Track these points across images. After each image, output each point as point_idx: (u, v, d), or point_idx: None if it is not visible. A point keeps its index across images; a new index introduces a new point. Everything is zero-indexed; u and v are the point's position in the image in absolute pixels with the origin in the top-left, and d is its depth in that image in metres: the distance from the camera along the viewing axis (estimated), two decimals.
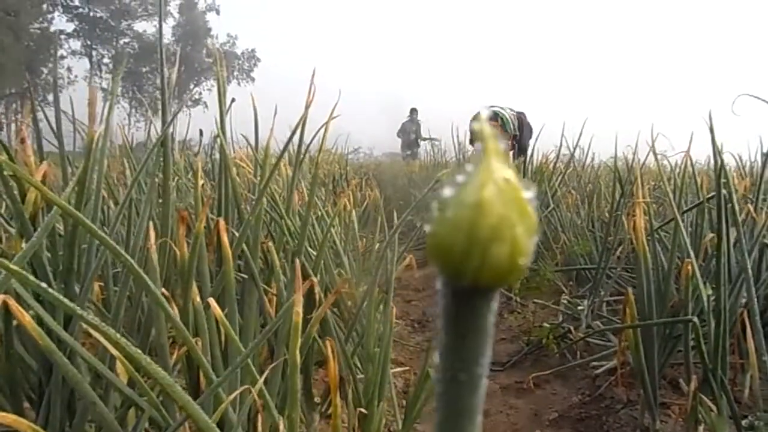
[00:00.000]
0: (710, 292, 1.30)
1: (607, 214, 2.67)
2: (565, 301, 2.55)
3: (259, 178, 1.36)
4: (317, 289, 1.21)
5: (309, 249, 1.81)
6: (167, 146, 0.87)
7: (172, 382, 0.64)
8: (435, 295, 3.03)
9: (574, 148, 3.49)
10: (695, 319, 1.26)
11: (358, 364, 1.58)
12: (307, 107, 1.11)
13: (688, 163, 2.15)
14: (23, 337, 1.00)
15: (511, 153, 6.60)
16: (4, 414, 0.65)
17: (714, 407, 1.29)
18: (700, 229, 1.92)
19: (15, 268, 0.56)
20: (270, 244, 1.40)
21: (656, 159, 2.04)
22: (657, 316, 1.62)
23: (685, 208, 1.97)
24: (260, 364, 1.30)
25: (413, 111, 11.88)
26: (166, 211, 0.87)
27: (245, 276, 1.29)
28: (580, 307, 2.32)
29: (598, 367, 2.00)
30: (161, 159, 0.99)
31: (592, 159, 4.06)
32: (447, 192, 0.12)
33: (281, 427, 0.72)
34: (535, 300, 2.73)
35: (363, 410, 1.17)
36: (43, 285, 0.59)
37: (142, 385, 0.80)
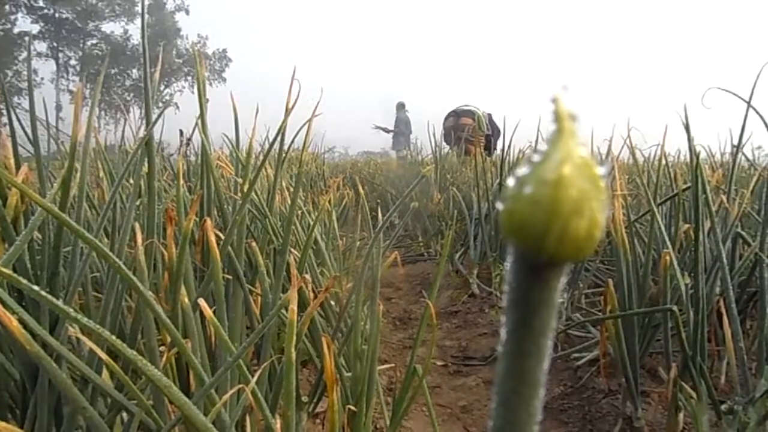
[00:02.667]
0: (688, 281, 1.33)
1: None
2: None
3: (241, 179, 1.35)
4: (310, 287, 1.20)
5: (292, 249, 1.80)
6: (151, 146, 0.85)
7: (169, 383, 0.63)
8: (415, 293, 3.04)
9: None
10: (674, 307, 1.29)
11: (344, 363, 1.58)
12: (288, 111, 1.11)
13: (663, 156, 2.21)
14: (3, 345, 0.98)
15: (483, 150, 6.68)
16: None
17: (694, 394, 1.32)
18: (675, 220, 1.96)
19: (5, 270, 0.54)
20: (254, 244, 1.39)
21: (632, 152, 2.08)
22: (636, 307, 1.66)
23: (660, 200, 2.02)
24: (247, 363, 1.29)
25: (400, 105, 11.19)
26: (152, 211, 0.85)
27: (229, 277, 1.28)
28: (560, 300, 2.35)
29: (579, 359, 2.03)
30: (143, 160, 0.97)
31: None
32: (522, 171, 0.12)
33: (278, 426, 0.72)
34: None
35: (353, 408, 1.17)
36: (35, 288, 0.57)
37: (132, 388, 0.79)
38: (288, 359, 0.74)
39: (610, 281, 1.47)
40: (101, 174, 2.22)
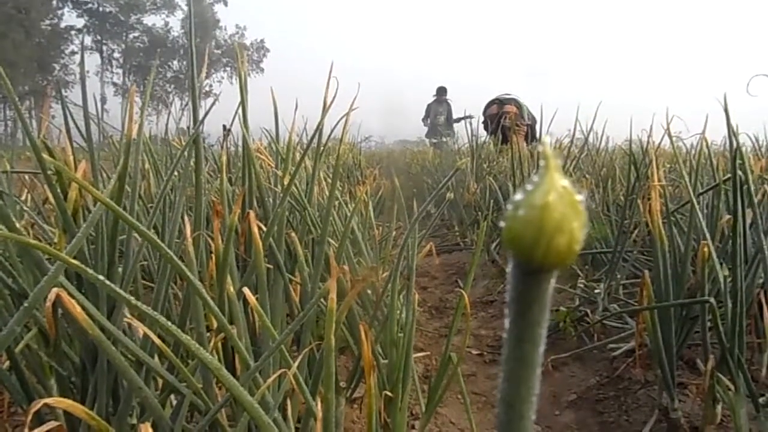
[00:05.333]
0: (726, 273, 1.32)
1: (622, 198, 2.67)
2: (582, 285, 2.57)
3: (281, 171, 1.39)
4: (348, 276, 1.24)
5: (330, 240, 1.85)
6: (199, 144, 0.90)
7: (219, 366, 0.68)
8: (451, 283, 3.06)
9: (588, 132, 3.48)
10: (712, 300, 1.28)
11: (381, 351, 1.62)
12: (325, 110, 1.14)
13: (704, 144, 2.16)
14: (65, 329, 1.06)
15: (525, 139, 6.60)
16: (60, 399, 0.70)
17: (732, 386, 1.31)
18: (716, 210, 1.92)
19: (74, 261, 0.60)
20: (293, 235, 1.44)
21: (671, 141, 2.04)
22: (674, 298, 1.64)
23: (700, 190, 1.98)
24: (286, 350, 1.34)
25: (441, 90, 10.45)
26: (199, 205, 0.91)
27: (270, 266, 1.33)
28: (596, 291, 2.34)
29: (615, 349, 2.02)
30: (190, 155, 1.03)
31: (607, 142, 4.05)
32: (518, 196, 0.15)
33: (318, 409, 0.76)
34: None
35: (389, 393, 1.21)
36: (100, 277, 0.63)
37: (183, 370, 0.85)
38: (327, 346, 0.78)
39: (647, 272, 1.46)
40: (146, 166, 2.32)
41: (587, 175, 3.32)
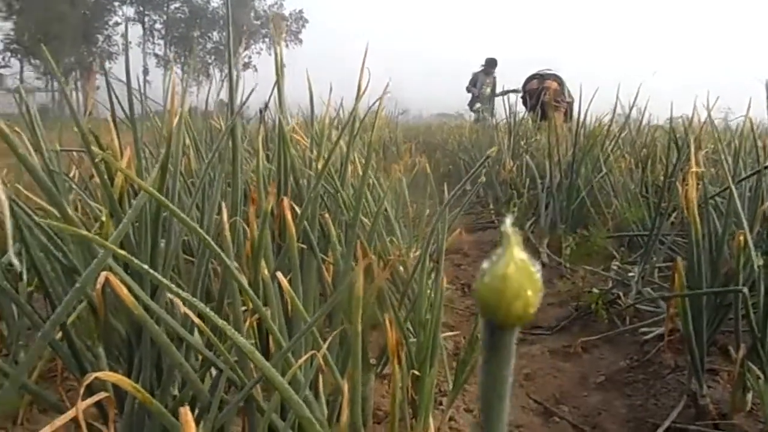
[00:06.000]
0: (761, 262, 1.30)
1: (661, 179, 2.61)
2: (616, 267, 2.55)
3: (315, 155, 1.43)
4: (374, 266, 1.28)
5: (362, 218, 1.89)
6: (236, 135, 0.94)
7: (252, 349, 0.73)
8: (483, 260, 3.09)
9: (629, 111, 3.40)
10: (745, 290, 1.27)
11: (411, 328, 1.67)
12: (359, 95, 1.16)
13: (748, 125, 2.09)
14: (111, 308, 1.13)
15: (564, 117, 6.46)
16: (110, 373, 0.76)
17: (762, 375, 1.30)
18: (758, 195, 1.87)
19: (120, 251, 0.65)
20: (326, 215, 1.48)
21: (711, 122, 1.99)
22: (708, 284, 1.63)
23: (744, 174, 1.93)
24: (318, 330, 1.40)
25: (490, 62, 10.16)
26: (236, 193, 0.95)
27: (304, 246, 1.37)
28: (630, 274, 2.32)
29: (647, 333, 2.02)
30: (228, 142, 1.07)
31: (648, 122, 3.94)
32: (485, 265, 0.18)
33: (345, 387, 0.81)
34: (585, 266, 2.74)
35: (416, 372, 1.25)
36: (145, 266, 0.68)
37: (220, 348, 0.91)
38: (354, 331, 0.82)
39: (679, 259, 1.45)
40: (187, 141, 2.39)
41: (626, 155, 3.25)
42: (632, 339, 2.10)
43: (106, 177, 0.90)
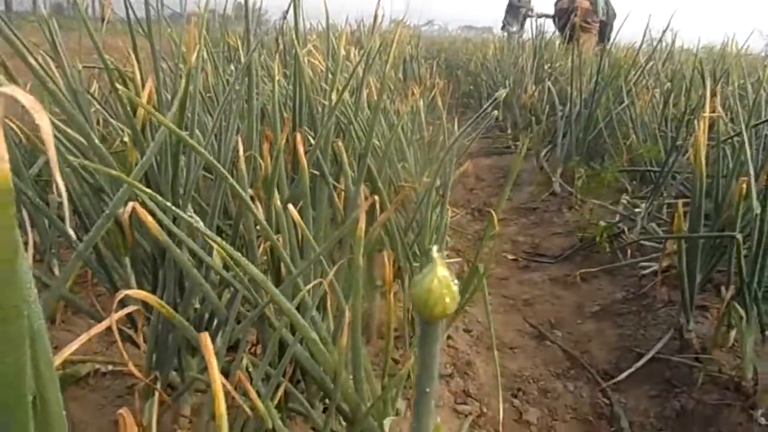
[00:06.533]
0: (759, 211, 1.33)
1: (684, 110, 2.57)
2: (625, 202, 2.58)
3: (330, 79, 1.45)
4: (383, 196, 1.34)
5: (377, 142, 1.93)
6: (252, 75, 0.98)
7: (263, 277, 0.81)
8: (497, 186, 3.10)
9: (657, 42, 3.27)
10: (739, 236, 1.32)
11: (418, 252, 1.75)
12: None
13: None
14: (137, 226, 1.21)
15: (595, 37, 6.20)
16: (138, 291, 0.85)
17: (744, 315, 1.38)
18: None
19: (145, 189, 0.72)
20: (340, 143, 1.52)
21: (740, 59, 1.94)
22: (710, 227, 1.67)
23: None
24: (329, 251, 1.48)
25: None
26: (250, 128, 1.00)
27: (317, 173, 1.43)
28: (637, 210, 2.36)
29: (645, 268, 2.09)
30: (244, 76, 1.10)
31: (680, 53, 3.79)
32: (417, 278, 0.23)
33: (346, 311, 0.89)
34: (594, 199, 2.77)
35: None
36: (168, 203, 0.75)
37: (236, 270, 0.99)
38: (355, 264, 0.89)
39: (679, 203, 1.49)
40: (204, 55, 2.39)
41: (650, 87, 3.18)
42: (631, 272, 2.18)
43: (128, 108, 0.95)
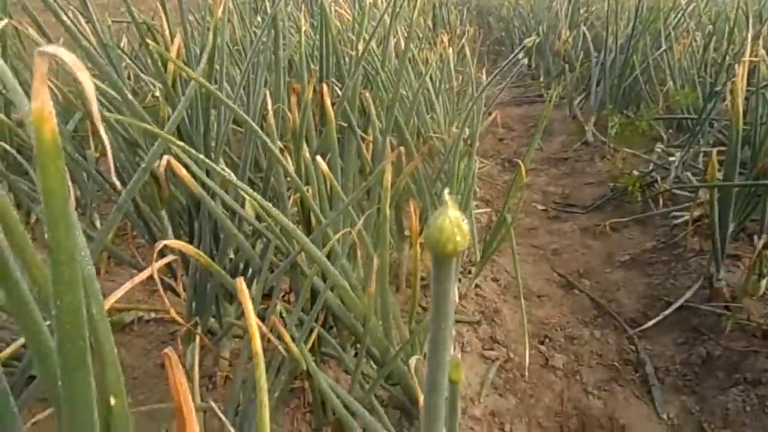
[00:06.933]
0: None
1: (725, 55, 2.46)
2: (659, 151, 2.52)
3: (355, 35, 1.44)
4: (411, 146, 1.34)
5: (404, 93, 1.92)
6: (277, 26, 0.98)
7: (294, 227, 0.84)
8: (528, 136, 3.06)
9: None
10: None
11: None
12: None
13: None
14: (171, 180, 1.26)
15: None
16: (176, 241, 0.90)
17: None
18: None
19: (178, 143, 0.74)
20: (367, 94, 1.52)
21: None
22: (746, 175, 1.63)
23: None
24: (359, 202, 1.51)
25: None
26: (278, 81, 1.01)
27: (344, 124, 1.44)
28: (671, 158, 2.31)
29: (678, 217, 2.06)
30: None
31: None
32: (430, 220, 0.25)
33: (375, 260, 0.92)
34: (628, 148, 2.71)
35: None
36: (201, 156, 0.77)
37: (267, 221, 1.03)
38: (383, 214, 0.91)
39: (714, 151, 1.45)
40: (230, 5, 2.39)
41: (689, 31, 3.04)
42: (663, 222, 2.16)
43: (159, 64, 0.97)
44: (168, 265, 1.39)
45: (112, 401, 0.50)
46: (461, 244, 0.25)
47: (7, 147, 1.62)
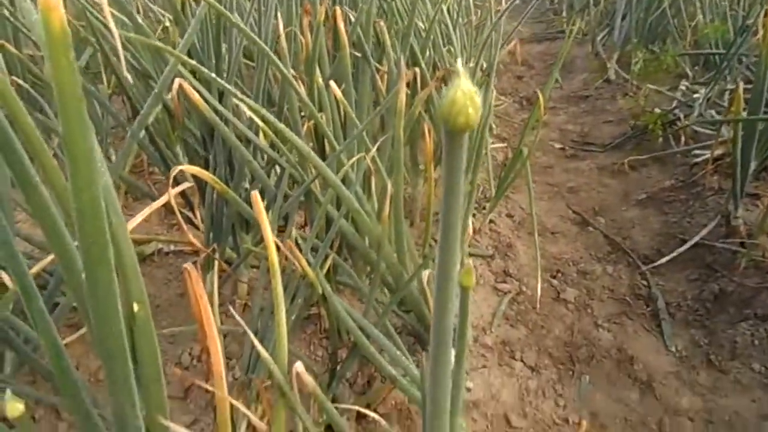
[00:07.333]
0: None
1: None
2: (684, 88, 2.45)
3: None
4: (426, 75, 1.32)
5: (420, 24, 1.86)
6: None
7: (308, 149, 0.84)
8: (548, 73, 2.98)
9: None
10: None
11: None
12: None
13: None
14: (185, 107, 1.25)
15: None
16: (191, 167, 0.90)
17: None
18: None
19: (189, 60, 0.73)
20: (381, 23, 1.48)
21: None
22: None
23: None
24: (374, 135, 1.50)
25: None
26: (290, 10, 0.98)
27: (358, 55, 1.41)
28: (696, 95, 2.24)
29: (698, 156, 2.02)
30: None
31: None
32: (444, 92, 0.25)
33: (389, 186, 0.92)
34: (651, 84, 2.64)
35: None
36: (213, 75, 0.76)
37: (282, 149, 1.03)
38: (397, 138, 0.91)
39: (741, 84, 1.41)
40: None
41: None
42: (683, 161, 2.12)
43: None
44: (185, 198, 1.41)
45: (136, 308, 0.52)
46: (473, 117, 0.25)
47: (21, 82, 1.62)
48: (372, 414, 0.72)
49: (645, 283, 1.59)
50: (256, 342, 0.62)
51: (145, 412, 0.51)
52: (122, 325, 0.46)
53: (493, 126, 2.49)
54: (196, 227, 1.46)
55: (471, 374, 1.25)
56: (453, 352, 0.47)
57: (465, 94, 0.24)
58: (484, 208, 1.85)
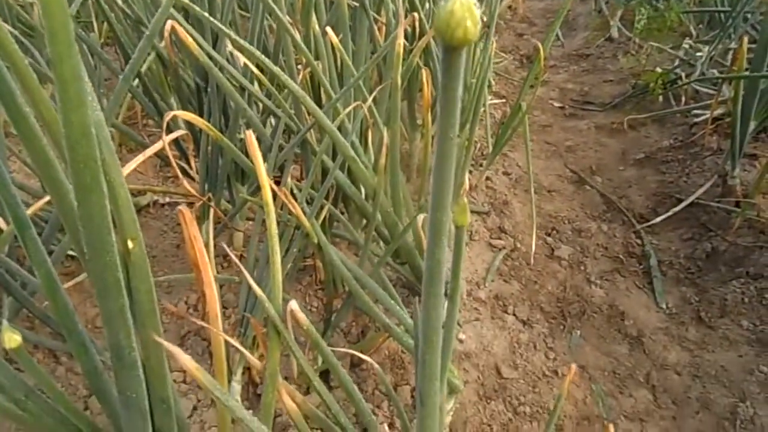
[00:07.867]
0: None
1: None
2: (687, 46, 2.41)
3: None
4: (421, 22, 1.29)
5: None
6: None
7: (304, 94, 0.82)
8: (548, 31, 2.91)
9: None
10: None
11: None
12: None
13: None
14: (178, 56, 1.23)
15: None
16: (185, 113, 0.89)
17: None
18: None
19: None
20: None
21: None
22: None
23: None
24: (371, 87, 1.48)
25: None
26: None
27: (357, 5, 1.38)
28: (699, 54, 2.20)
29: (698, 116, 2.01)
30: None
31: None
32: (441, 3, 0.24)
33: (385, 136, 0.91)
34: (653, 42, 2.59)
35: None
36: (205, 14, 0.74)
37: (278, 97, 1.01)
38: (394, 85, 0.89)
39: (745, 40, 1.38)
40: None
41: None
42: (682, 121, 2.10)
43: None
44: (179, 148, 1.40)
45: (130, 244, 0.52)
46: (471, 31, 0.24)
47: (11, 29, 1.57)
48: (366, 358, 0.73)
49: (639, 241, 1.60)
50: (252, 281, 0.63)
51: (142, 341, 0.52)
52: (116, 255, 0.45)
53: (492, 82, 2.45)
54: (192, 178, 1.45)
55: (464, 326, 1.27)
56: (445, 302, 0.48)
57: (463, 5, 0.23)
58: (481, 165, 1.84)
